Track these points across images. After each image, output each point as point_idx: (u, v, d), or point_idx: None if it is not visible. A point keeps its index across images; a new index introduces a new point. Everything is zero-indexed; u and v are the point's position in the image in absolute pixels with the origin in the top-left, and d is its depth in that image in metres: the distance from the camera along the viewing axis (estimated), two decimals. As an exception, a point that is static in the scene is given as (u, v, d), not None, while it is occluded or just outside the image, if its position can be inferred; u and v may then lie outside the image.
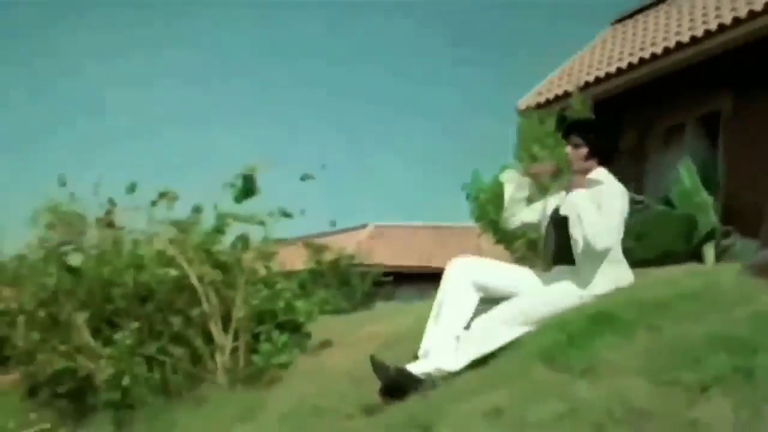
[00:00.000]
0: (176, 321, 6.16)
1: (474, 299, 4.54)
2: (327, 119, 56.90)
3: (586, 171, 4.60)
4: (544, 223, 4.75)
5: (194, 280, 6.10)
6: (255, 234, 6.72)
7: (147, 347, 6.08)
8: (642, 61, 10.49)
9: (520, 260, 8.42)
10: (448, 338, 4.43)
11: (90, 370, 6.16)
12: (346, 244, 18.67)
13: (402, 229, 23.93)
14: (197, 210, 6.66)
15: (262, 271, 6.74)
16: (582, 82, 11.24)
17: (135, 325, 6.04)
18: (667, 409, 3.03)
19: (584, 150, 4.59)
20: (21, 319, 6.58)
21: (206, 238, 6.52)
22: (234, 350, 6.23)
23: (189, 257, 6.19)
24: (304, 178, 6.62)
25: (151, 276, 6.18)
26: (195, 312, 6.18)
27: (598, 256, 4.40)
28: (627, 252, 4.72)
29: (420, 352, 4.50)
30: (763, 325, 3.31)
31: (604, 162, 4.65)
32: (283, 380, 6.01)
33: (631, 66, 10.65)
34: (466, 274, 4.55)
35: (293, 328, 6.61)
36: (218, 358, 6.17)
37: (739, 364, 3.03)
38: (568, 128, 4.70)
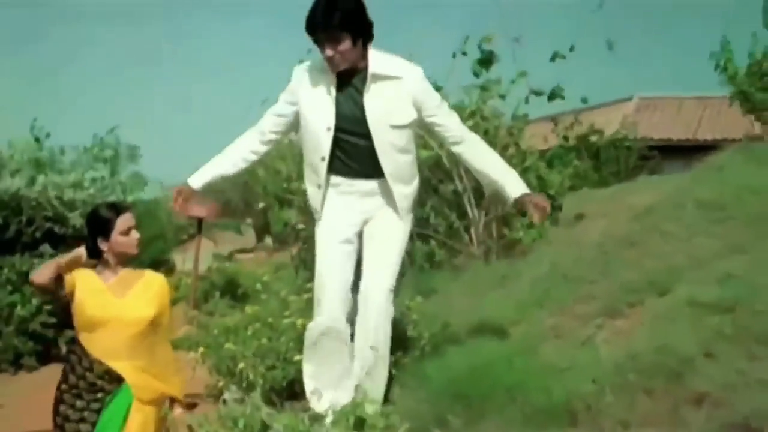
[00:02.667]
0: (432, 199, 6.55)
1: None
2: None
3: (356, 64, 3.51)
4: (325, 130, 3.56)
5: (445, 160, 6.40)
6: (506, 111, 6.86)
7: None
8: None
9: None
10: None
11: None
12: (612, 118, 18.14)
13: (669, 100, 22.63)
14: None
15: (512, 149, 6.88)
16: None
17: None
18: None
19: (348, 43, 3.40)
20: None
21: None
22: (488, 224, 6.52)
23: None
24: (553, 57, 6.59)
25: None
26: (449, 189, 6.52)
27: None
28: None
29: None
30: None
31: (369, 38, 3.53)
32: (535, 251, 6.23)
33: None
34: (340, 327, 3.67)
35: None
36: (473, 231, 6.50)
37: None
38: (324, 26, 3.42)
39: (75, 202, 8.96)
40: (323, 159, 3.55)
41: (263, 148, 3.73)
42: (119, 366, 3.26)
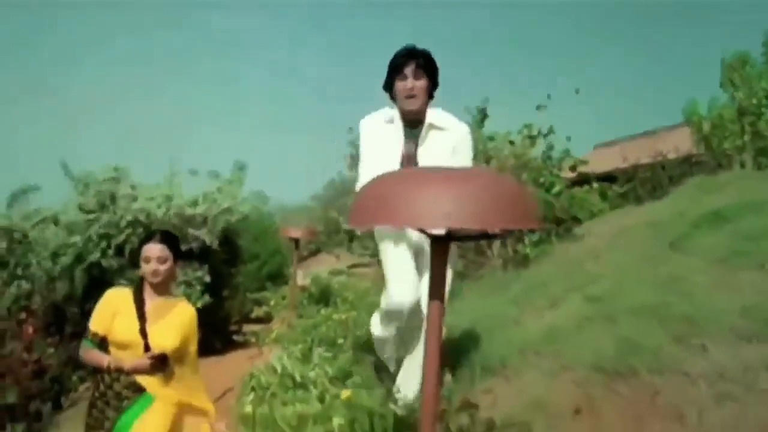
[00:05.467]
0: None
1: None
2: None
3: (421, 111, 4.19)
4: (392, 167, 4.06)
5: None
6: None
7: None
8: None
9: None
10: None
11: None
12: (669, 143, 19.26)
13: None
14: None
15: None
16: None
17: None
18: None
19: (424, 82, 4.13)
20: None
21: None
22: (504, 242, 8.30)
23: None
24: (538, 107, 8.45)
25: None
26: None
27: None
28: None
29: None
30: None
31: (431, 96, 4.23)
32: (537, 263, 7.97)
33: None
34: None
35: (556, 222, 8.49)
36: (493, 248, 8.31)
37: None
38: (417, 57, 4.10)
39: (195, 217, 9.51)
40: None
41: None
42: (144, 380, 3.41)
